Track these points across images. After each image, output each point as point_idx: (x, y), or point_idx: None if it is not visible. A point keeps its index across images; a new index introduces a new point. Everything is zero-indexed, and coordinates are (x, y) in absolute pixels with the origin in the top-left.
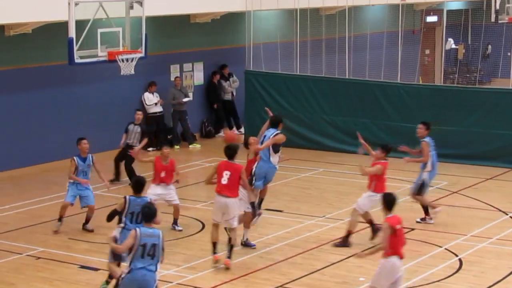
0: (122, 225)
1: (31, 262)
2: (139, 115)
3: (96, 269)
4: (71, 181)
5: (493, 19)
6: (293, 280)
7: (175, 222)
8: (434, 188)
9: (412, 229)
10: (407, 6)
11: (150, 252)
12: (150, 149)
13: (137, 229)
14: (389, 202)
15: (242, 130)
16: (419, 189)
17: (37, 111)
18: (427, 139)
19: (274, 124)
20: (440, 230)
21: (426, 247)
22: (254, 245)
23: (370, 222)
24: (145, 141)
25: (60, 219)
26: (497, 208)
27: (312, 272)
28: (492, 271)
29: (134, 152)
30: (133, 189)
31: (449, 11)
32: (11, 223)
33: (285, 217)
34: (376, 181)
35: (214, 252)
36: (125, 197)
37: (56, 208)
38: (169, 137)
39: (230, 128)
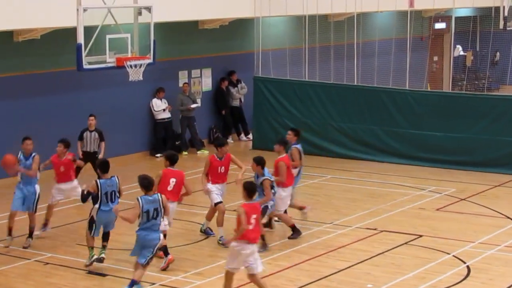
0: (97, 206)
1: (40, 268)
2: (92, 120)
3: (104, 275)
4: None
5: (501, 26)
6: (301, 287)
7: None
8: (442, 195)
9: (420, 236)
10: (416, 13)
11: (154, 216)
12: (158, 155)
13: (139, 198)
14: (250, 190)
15: (250, 136)
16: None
17: (45, 117)
18: (298, 146)
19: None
20: (448, 237)
21: (434, 254)
22: (213, 234)
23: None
24: (102, 146)
25: (10, 232)
26: (505, 215)
27: (320, 279)
28: (500, 278)
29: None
30: (100, 171)
31: (457, 18)
32: (20, 229)
33: None
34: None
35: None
36: (96, 181)
37: (66, 214)
38: (177, 143)
39: (238, 134)
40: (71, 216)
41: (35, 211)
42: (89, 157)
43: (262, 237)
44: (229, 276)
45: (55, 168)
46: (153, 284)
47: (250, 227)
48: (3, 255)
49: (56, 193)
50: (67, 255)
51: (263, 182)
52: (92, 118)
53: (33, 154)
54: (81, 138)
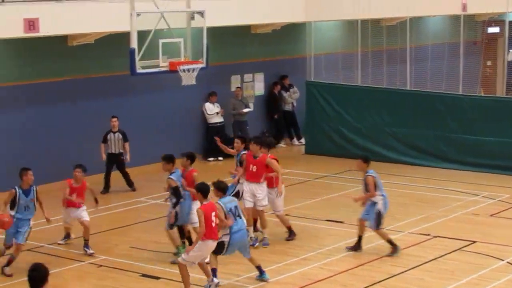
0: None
1: (93, 270)
2: (115, 121)
3: (157, 278)
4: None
5: None
6: None
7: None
8: (495, 201)
9: (474, 242)
10: (469, 17)
11: (236, 214)
12: (211, 158)
13: (219, 201)
14: (204, 190)
15: (303, 140)
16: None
17: (99, 120)
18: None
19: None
20: (502, 243)
21: (487, 260)
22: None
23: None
24: (127, 146)
25: (8, 264)
26: None
27: (373, 284)
28: None
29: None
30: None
31: (511, 22)
32: (74, 232)
33: (346, 228)
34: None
35: None
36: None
37: (119, 217)
38: (229, 147)
39: (291, 139)
40: (123, 220)
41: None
42: (114, 158)
43: (390, 242)
44: (184, 267)
45: (70, 192)
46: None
47: (213, 224)
48: (59, 257)
49: (66, 217)
50: (121, 258)
51: (367, 179)
52: (115, 119)
53: (34, 188)
54: (105, 140)
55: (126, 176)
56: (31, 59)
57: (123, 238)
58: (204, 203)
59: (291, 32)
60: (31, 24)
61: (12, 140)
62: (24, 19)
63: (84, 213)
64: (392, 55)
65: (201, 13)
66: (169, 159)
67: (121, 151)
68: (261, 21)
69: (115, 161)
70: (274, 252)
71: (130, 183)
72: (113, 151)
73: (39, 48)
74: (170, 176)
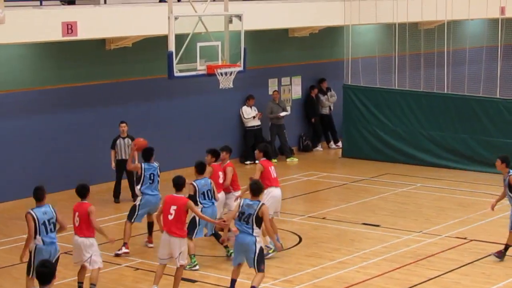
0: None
1: (130, 273)
2: (124, 127)
3: (193, 281)
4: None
5: None
6: None
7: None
8: None
9: (510, 246)
10: (507, 20)
11: (245, 219)
12: (248, 162)
13: (241, 199)
14: (177, 183)
15: (340, 144)
16: None
17: (137, 123)
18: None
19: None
20: None
21: None
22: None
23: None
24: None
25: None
26: None
27: (409, 287)
28: None
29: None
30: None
31: None
32: (111, 234)
33: (382, 231)
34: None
35: None
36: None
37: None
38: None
39: (328, 142)
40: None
41: None
42: (123, 164)
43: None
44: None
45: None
46: None
47: (170, 217)
48: None
49: None
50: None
51: (510, 179)
52: (123, 124)
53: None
54: (113, 146)
55: (132, 184)
56: (69, 63)
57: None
58: (174, 195)
59: (329, 36)
60: (69, 27)
61: (51, 143)
62: (62, 23)
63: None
64: (429, 59)
65: (239, 17)
66: (198, 166)
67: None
68: (299, 25)
69: (124, 167)
70: (311, 255)
71: (134, 194)
72: (122, 157)
73: (77, 52)
74: (192, 182)
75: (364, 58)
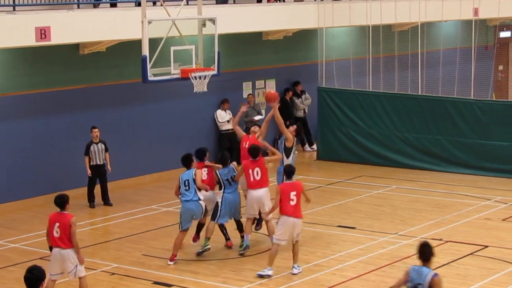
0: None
1: (106, 278)
2: (96, 132)
3: (169, 285)
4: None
5: None
6: None
7: None
8: (508, 205)
9: (486, 246)
10: (480, 22)
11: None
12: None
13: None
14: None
15: (315, 147)
16: None
17: (111, 128)
18: None
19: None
20: None
21: (500, 265)
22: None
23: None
24: (107, 157)
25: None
26: None
27: None
28: None
29: None
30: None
31: None
32: (86, 239)
33: (358, 234)
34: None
35: None
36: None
37: (132, 225)
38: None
39: (303, 145)
40: (135, 227)
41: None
42: (98, 170)
43: None
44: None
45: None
46: None
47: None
48: None
49: None
50: (133, 266)
51: None
52: (96, 130)
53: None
54: (87, 152)
55: (105, 189)
56: (43, 68)
57: (135, 246)
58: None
59: (303, 39)
60: (42, 32)
61: (25, 148)
62: (35, 28)
63: None
64: (403, 61)
65: (213, 20)
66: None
67: (104, 162)
68: (272, 28)
69: (99, 173)
70: (286, 258)
71: (106, 198)
72: (97, 163)
73: (51, 57)
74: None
75: (338, 60)
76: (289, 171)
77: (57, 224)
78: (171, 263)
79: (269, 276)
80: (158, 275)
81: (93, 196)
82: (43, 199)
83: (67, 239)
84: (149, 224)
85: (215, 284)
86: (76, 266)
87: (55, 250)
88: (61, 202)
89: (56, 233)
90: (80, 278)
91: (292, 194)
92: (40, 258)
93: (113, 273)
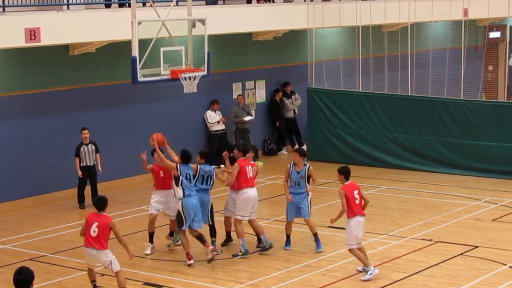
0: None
1: (96, 279)
2: (86, 133)
3: (160, 286)
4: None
5: None
6: None
7: None
8: (498, 205)
9: (476, 247)
10: (470, 22)
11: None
12: (213, 166)
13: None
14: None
15: (304, 147)
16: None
17: (101, 129)
18: None
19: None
20: (504, 248)
21: (490, 265)
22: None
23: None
24: (98, 157)
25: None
26: None
27: None
28: None
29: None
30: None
31: None
32: (76, 240)
33: None
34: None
35: None
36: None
37: (123, 226)
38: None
39: (293, 145)
40: (125, 228)
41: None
42: (88, 171)
43: None
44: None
45: None
46: None
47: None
48: (61, 266)
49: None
50: (123, 267)
51: None
52: (85, 131)
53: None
54: (78, 153)
55: (95, 190)
56: (32, 69)
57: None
58: None
59: (293, 39)
60: (32, 33)
61: (14, 149)
62: (25, 29)
63: None
64: (393, 61)
65: (202, 21)
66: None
67: (94, 163)
68: (262, 29)
69: (89, 174)
70: (277, 259)
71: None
72: (87, 164)
73: (41, 58)
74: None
75: (328, 61)
76: (346, 172)
77: (96, 223)
78: (191, 261)
79: (375, 273)
80: (148, 276)
81: (83, 197)
82: (33, 200)
83: (103, 240)
84: (139, 225)
85: (206, 285)
86: (111, 262)
87: (88, 250)
88: (102, 204)
89: (93, 233)
90: (116, 272)
91: (355, 193)
92: (30, 259)
93: (104, 274)
